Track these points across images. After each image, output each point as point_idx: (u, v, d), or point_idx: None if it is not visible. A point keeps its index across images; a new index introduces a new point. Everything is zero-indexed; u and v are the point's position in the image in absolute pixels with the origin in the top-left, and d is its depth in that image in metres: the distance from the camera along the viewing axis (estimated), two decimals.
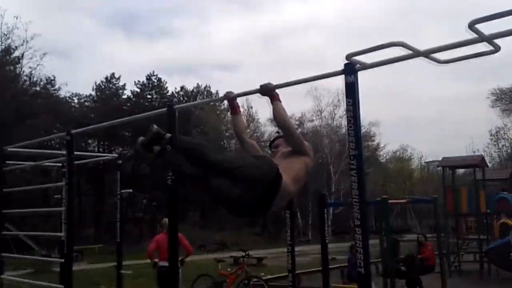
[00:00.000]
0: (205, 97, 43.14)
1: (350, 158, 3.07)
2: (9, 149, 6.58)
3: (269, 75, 60.91)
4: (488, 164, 37.19)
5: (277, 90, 3.46)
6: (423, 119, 68.15)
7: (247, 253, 10.88)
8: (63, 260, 4.56)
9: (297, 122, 40.73)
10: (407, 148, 52.79)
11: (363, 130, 41.19)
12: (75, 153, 5.98)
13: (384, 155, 51.26)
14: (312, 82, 3.72)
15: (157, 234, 9.68)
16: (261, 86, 3.57)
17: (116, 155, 7.86)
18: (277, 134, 3.67)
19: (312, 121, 41.83)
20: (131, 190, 8.75)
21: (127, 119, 4.25)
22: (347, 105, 3.10)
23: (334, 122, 41.14)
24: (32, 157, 11.65)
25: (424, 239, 12.33)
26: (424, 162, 54.01)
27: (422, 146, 76.67)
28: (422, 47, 2.89)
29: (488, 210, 15.30)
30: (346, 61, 3.12)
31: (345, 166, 34.62)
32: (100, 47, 57.65)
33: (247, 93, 3.82)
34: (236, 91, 3.82)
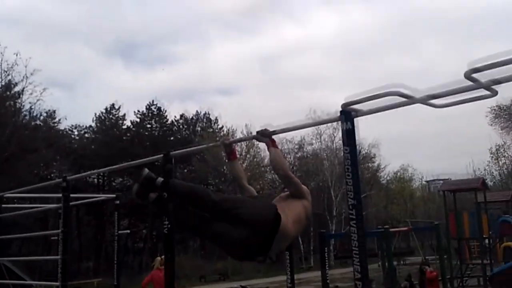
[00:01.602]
0: (204, 124, 43.33)
1: (349, 208, 3.02)
2: (6, 195, 6.54)
3: (268, 97, 61.26)
4: (489, 182, 37.01)
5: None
6: (424, 135, 68.03)
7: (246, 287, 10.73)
8: None
9: (296, 146, 40.70)
10: (408, 168, 52.71)
11: (363, 152, 41.21)
12: (72, 195, 5.92)
13: (385, 176, 51.07)
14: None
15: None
16: (257, 132, 3.56)
17: (114, 195, 7.75)
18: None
19: (311, 144, 41.77)
20: (128, 231, 8.67)
21: (120, 166, 4.18)
22: (344, 153, 3.07)
23: (334, 144, 41.08)
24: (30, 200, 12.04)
25: (427, 267, 12.03)
26: (425, 181, 53.90)
27: (423, 164, 76.54)
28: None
29: (491, 232, 15.12)
30: (342, 109, 3.09)
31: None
32: (100, 77, 57.87)
33: (243, 139, 3.82)
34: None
